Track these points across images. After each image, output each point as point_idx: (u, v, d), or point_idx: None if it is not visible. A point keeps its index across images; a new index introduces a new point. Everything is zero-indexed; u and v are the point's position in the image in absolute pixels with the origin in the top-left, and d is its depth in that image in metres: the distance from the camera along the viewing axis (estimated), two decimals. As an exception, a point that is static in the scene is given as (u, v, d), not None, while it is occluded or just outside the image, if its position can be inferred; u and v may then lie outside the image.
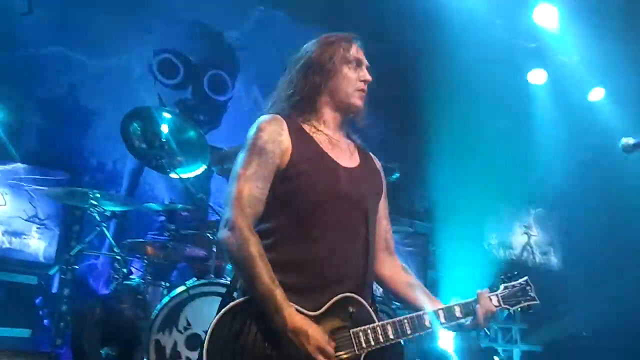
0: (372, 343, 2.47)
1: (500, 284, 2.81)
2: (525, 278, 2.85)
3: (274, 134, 2.55)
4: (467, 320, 2.69)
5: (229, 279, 4.46)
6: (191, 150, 4.86)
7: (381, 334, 2.49)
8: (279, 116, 2.62)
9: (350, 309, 2.46)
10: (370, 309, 2.55)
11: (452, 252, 8.02)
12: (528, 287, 2.82)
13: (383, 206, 2.83)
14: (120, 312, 4.31)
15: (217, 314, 2.42)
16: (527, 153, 8.01)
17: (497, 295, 2.75)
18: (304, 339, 2.32)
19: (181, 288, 4.23)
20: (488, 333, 7.97)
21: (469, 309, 2.67)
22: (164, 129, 4.75)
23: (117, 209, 4.95)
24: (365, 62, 2.77)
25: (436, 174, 7.74)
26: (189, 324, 4.18)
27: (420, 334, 2.56)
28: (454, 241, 8.21)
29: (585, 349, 7.34)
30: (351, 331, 2.46)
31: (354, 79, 2.71)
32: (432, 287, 7.65)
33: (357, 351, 2.44)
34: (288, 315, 2.33)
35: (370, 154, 2.89)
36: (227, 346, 2.35)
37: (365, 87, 2.73)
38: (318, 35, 2.83)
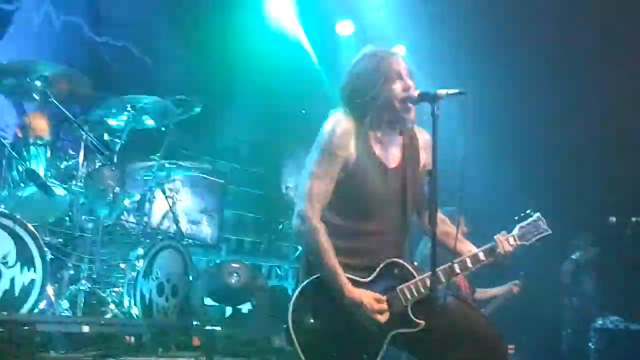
0: (416, 295, 3.02)
1: (516, 224, 3.25)
2: (537, 214, 3.28)
3: (344, 140, 3.07)
4: (489, 261, 3.20)
5: None
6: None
7: (421, 286, 3.02)
8: (352, 120, 3.11)
9: (395, 271, 3.07)
10: (410, 268, 3.09)
11: (249, 193, 8.17)
12: (540, 222, 3.27)
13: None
14: None
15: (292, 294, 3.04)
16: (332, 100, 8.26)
17: (513, 236, 3.22)
18: (361, 306, 2.94)
19: None
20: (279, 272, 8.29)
21: (490, 253, 3.18)
22: None
23: None
24: (405, 72, 3.11)
25: (242, 113, 7.76)
26: None
27: (453, 279, 3.11)
28: (252, 182, 8.35)
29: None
30: (397, 288, 3.03)
31: (398, 91, 3.09)
32: (231, 224, 7.79)
33: (404, 303, 3.02)
34: (347, 290, 2.95)
35: (417, 133, 3.26)
36: (307, 319, 2.99)
37: (407, 95, 3.08)
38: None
